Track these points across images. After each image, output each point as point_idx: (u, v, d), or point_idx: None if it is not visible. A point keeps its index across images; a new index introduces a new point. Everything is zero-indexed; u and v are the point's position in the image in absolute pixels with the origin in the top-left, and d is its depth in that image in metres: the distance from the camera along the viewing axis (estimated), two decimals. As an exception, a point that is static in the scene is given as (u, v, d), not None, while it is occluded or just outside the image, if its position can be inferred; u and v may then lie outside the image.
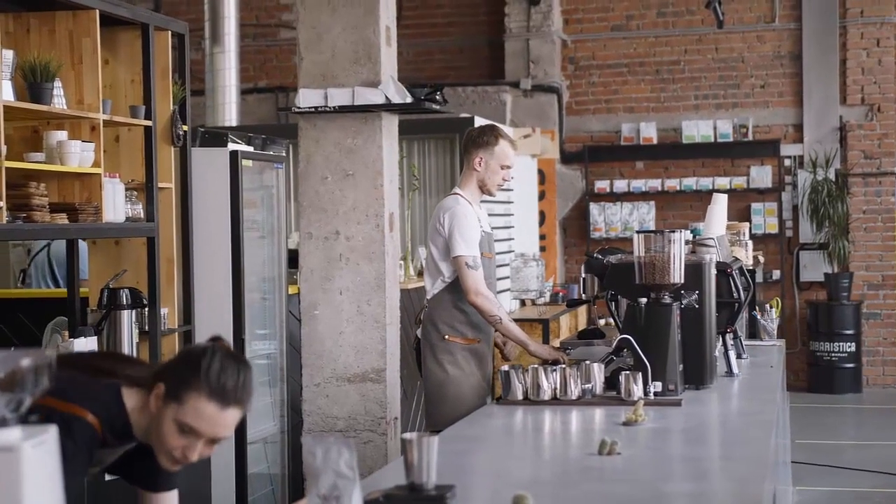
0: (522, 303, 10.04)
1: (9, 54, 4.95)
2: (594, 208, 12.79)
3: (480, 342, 5.34)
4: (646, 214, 12.68)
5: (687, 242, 5.02)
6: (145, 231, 5.74)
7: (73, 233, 5.33)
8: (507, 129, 10.54)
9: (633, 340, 4.41)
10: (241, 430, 6.39)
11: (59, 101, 5.17)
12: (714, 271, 4.80)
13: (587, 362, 4.45)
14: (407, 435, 2.73)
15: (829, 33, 12.46)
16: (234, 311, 6.37)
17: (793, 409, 8.90)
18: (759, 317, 6.38)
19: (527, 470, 3.50)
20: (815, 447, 9.30)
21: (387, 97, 5.37)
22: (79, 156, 5.21)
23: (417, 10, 13.28)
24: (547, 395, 4.34)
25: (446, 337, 5.28)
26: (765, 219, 12.45)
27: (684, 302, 4.58)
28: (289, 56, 13.09)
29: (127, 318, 5.56)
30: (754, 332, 6.40)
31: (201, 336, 6.11)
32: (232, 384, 2.71)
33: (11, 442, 1.75)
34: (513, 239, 10.24)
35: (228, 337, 6.28)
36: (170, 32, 6.07)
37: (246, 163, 6.46)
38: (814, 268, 12.43)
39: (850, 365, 12.09)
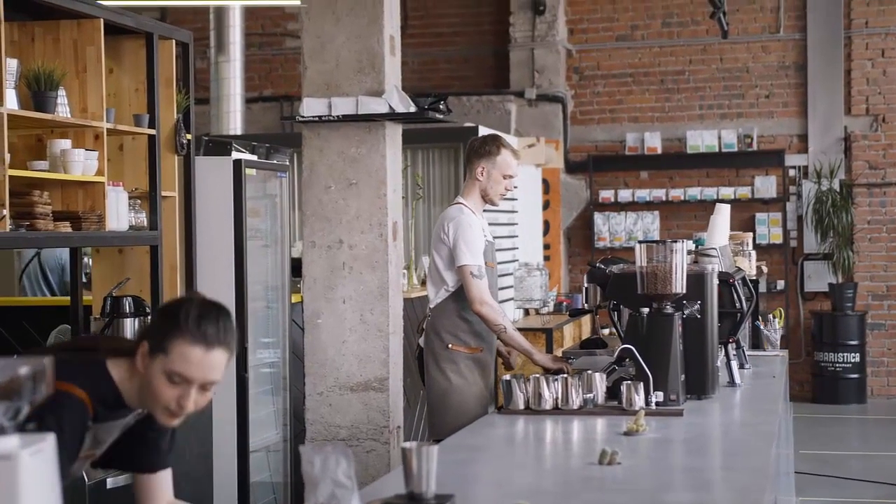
0: (526, 312, 10.03)
1: (13, 63, 4.96)
2: (598, 218, 12.79)
3: (483, 351, 5.34)
4: (650, 224, 12.68)
5: (689, 252, 5.02)
6: (148, 239, 5.75)
7: (76, 241, 5.34)
8: (511, 138, 10.56)
9: (634, 350, 4.41)
10: (243, 439, 6.39)
11: (63, 109, 5.18)
12: (716, 281, 4.80)
13: (589, 372, 4.45)
14: (406, 444, 2.73)
15: (833, 44, 12.46)
16: (238, 320, 6.33)
17: (797, 420, 8.89)
18: (762, 327, 6.37)
19: (527, 479, 3.50)
20: (819, 458, 9.28)
21: (390, 106, 5.37)
22: (82, 164, 5.22)
23: (423, 20, 13.31)
24: (548, 405, 4.34)
25: (449, 346, 5.28)
26: (769, 229, 12.45)
27: (686, 312, 4.58)
28: (294, 65, 13.11)
29: (130, 326, 5.57)
30: (757, 342, 6.39)
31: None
32: (213, 327, 2.77)
33: (9, 450, 1.76)
34: (517, 248, 10.24)
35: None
36: (174, 41, 6.08)
37: (249, 171, 6.47)
38: (818, 278, 12.42)
39: (855, 375, 12.07)
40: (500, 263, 5.65)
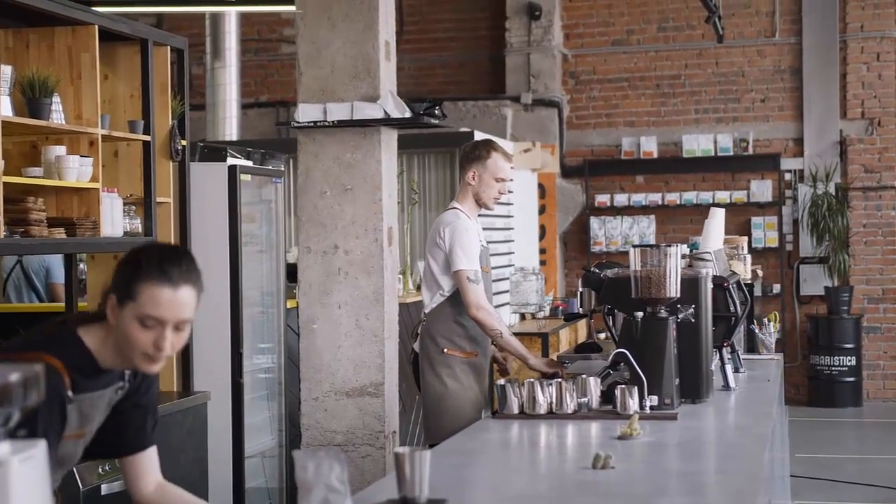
0: (522, 317, 10.03)
1: (7, 69, 4.96)
2: (594, 222, 12.80)
3: (478, 355, 5.35)
4: (646, 228, 12.69)
5: (683, 256, 5.03)
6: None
7: (71, 247, 5.34)
8: (507, 143, 10.57)
9: (629, 354, 4.41)
10: (238, 444, 6.39)
11: (57, 116, 5.18)
12: (710, 285, 4.80)
13: (583, 376, 4.45)
14: (399, 449, 2.74)
15: (829, 48, 12.48)
16: (233, 325, 6.37)
17: (793, 423, 8.89)
18: (757, 331, 6.38)
19: (522, 484, 3.50)
20: (815, 461, 9.29)
21: (385, 112, 5.38)
22: (77, 170, 5.22)
23: (418, 25, 13.32)
24: (543, 409, 4.34)
25: (445, 350, 5.28)
26: (765, 233, 12.46)
27: (680, 316, 4.58)
28: (290, 71, 13.12)
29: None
30: (753, 346, 6.40)
31: (200, 349, 6.11)
32: (176, 267, 2.83)
33: (0, 456, 1.76)
34: (513, 253, 10.25)
35: (227, 351, 6.30)
36: (169, 48, 6.09)
37: (245, 177, 6.47)
38: (814, 281, 12.43)
39: (851, 379, 12.08)
40: (495, 268, 5.66)
